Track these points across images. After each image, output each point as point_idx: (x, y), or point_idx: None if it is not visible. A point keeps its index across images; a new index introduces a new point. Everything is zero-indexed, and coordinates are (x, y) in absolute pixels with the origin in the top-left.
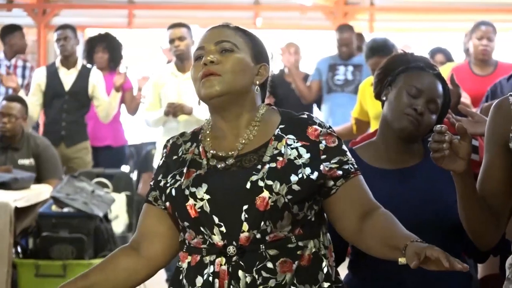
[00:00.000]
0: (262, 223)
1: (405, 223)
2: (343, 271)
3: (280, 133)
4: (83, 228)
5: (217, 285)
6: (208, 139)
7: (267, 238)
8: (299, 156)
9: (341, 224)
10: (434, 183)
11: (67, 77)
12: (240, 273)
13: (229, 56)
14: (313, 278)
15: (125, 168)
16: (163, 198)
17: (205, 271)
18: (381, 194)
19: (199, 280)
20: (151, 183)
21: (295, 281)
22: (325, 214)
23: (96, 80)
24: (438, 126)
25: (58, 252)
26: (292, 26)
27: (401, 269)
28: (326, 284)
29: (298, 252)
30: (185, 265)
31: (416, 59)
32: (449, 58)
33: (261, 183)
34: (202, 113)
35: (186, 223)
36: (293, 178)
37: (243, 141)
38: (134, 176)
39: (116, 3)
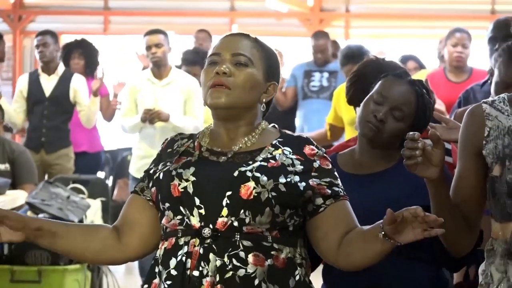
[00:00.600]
0: (242, 211)
1: None
2: (318, 281)
3: (277, 143)
4: None
5: (189, 265)
6: (205, 138)
7: (244, 228)
8: (292, 165)
9: (323, 244)
10: (404, 187)
11: (48, 83)
12: (211, 255)
13: (243, 71)
14: (284, 281)
15: (100, 174)
16: (150, 184)
17: (179, 252)
18: (352, 199)
19: (172, 262)
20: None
21: (265, 278)
22: (307, 236)
23: (78, 85)
24: (411, 133)
25: (33, 257)
26: (268, 33)
27: (376, 275)
28: None
29: (272, 252)
30: (161, 252)
31: (388, 65)
32: (420, 65)
33: (249, 174)
34: (179, 119)
35: (167, 204)
36: (281, 179)
37: (240, 145)
38: (109, 182)
39: (92, 9)
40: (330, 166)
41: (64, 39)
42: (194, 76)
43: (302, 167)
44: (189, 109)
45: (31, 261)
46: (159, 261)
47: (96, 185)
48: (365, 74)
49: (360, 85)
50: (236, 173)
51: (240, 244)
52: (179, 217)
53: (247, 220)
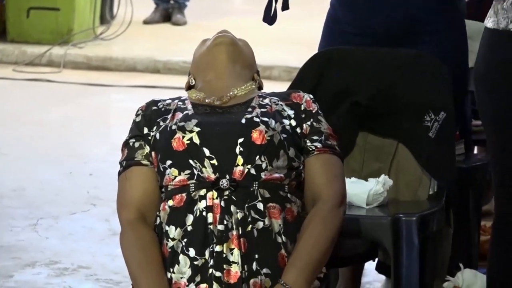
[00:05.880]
0: (258, 157)
1: None
2: None
3: (264, 95)
4: None
5: (210, 219)
6: (194, 94)
7: (262, 175)
8: (284, 110)
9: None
10: None
11: None
12: (232, 208)
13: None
14: (293, 235)
15: None
16: (149, 149)
17: (196, 207)
18: None
19: (189, 218)
20: (131, 142)
21: (281, 231)
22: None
23: None
24: None
25: None
26: None
27: None
28: None
29: (287, 205)
30: (166, 212)
31: None
32: None
33: (256, 119)
34: None
35: (168, 162)
36: (286, 121)
37: (229, 95)
38: None
39: None
40: (316, 109)
41: None
42: None
43: (292, 111)
44: None
45: None
46: (165, 221)
47: None
48: None
49: None
50: (243, 120)
51: (258, 194)
52: (188, 171)
53: (263, 166)
